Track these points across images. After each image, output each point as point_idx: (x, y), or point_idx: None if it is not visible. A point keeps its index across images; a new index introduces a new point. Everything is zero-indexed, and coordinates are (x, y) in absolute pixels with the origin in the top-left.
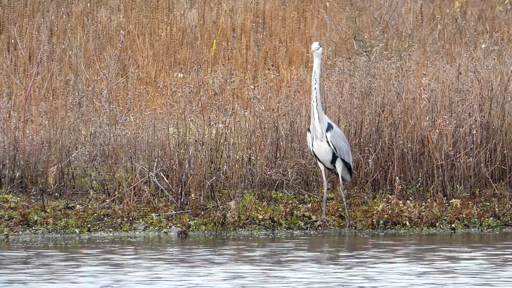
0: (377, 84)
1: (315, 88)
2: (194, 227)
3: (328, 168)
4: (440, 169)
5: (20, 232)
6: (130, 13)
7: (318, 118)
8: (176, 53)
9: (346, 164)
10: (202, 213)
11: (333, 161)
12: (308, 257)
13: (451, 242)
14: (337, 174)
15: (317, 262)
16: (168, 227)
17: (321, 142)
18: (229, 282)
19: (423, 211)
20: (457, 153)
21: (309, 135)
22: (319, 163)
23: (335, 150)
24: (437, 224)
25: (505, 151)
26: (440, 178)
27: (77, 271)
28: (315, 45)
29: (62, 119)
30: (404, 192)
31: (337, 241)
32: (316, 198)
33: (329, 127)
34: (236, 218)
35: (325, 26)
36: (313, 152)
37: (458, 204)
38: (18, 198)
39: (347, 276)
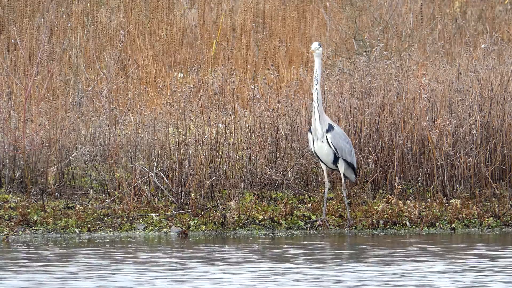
0: (377, 84)
1: (316, 89)
2: (194, 227)
3: (330, 168)
4: (440, 169)
5: (20, 232)
6: (130, 13)
7: (319, 118)
8: (176, 53)
9: (349, 164)
10: (202, 213)
11: (335, 162)
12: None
13: (487, 241)
14: (340, 174)
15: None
16: (168, 227)
17: (322, 143)
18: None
19: (423, 211)
20: (457, 153)
21: (310, 136)
22: (321, 163)
23: (336, 151)
24: (437, 224)
25: (505, 151)
26: (440, 178)
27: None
28: (315, 45)
29: (62, 119)
30: (404, 192)
31: (364, 241)
32: (316, 198)
33: (330, 128)
34: (236, 218)
35: (325, 26)
36: (315, 153)
37: (458, 204)
38: (18, 198)
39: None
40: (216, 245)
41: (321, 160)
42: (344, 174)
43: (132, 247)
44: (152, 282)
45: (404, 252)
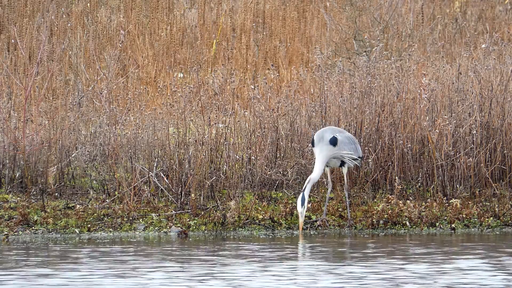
0: (377, 84)
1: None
2: (194, 227)
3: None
4: (440, 169)
5: (20, 232)
6: (130, 13)
7: (328, 164)
8: (176, 53)
9: (355, 159)
10: (202, 213)
11: (341, 165)
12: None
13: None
14: (343, 174)
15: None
16: (168, 227)
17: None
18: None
19: (423, 211)
20: (457, 153)
21: (314, 149)
22: (325, 166)
23: (343, 157)
24: (437, 224)
25: (505, 151)
26: (440, 178)
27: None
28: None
29: (62, 119)
30: (404, 192)
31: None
32: (316, 198)
33: (334, 141)
34: (236, 218)
35: (325, 26)
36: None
37: (458, 204)
38: (18, 198)
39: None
40: (216, 245)
41: (326, 165)
42: (347, 174)
43: (132, 247)
44: (152, 282)
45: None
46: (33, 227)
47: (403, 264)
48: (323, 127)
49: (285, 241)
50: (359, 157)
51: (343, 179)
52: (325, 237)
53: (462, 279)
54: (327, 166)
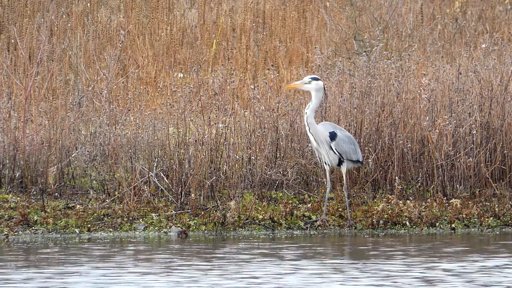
0: (377, 84)
1: (306, 113)
2: (194, 227)
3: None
4: (440, 169)
5: (20, 232)
6: (130, 13)
7: (314, 140)
8: (176, 53)
9: (354, 161)
10: (202, 213)
11: (339, 164)
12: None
13: None
14: (342, 174)
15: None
16: (168, 227)
17: (328, 152)
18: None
19: (423, 211)
20: (457, 153)
21: (312, 144)
22: (324, 164)
23: (342, 156)
24: (437, 224)
25: (505, 151)
26: (440, 178)
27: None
28: (305, 79)
29: (62, 119)
30: (404, 192)
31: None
32: (316, 198)
33: (333, 136)
34: (236, 218)
35: (325, 26)
36: (318, 156)
37: (458, 204)
38: (18, 198)
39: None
40: (216, 245)
41: (325, 163)
42: (346, 174)
43: (131, 247)
44: (152, 282)
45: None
46: (33, 227)
47: (438, 263)
48: None
49: (285, 241)
50: (358, 161)
51: (343, 179)
52: (328, 237)
53: (499, 278)
54: (326, 164)
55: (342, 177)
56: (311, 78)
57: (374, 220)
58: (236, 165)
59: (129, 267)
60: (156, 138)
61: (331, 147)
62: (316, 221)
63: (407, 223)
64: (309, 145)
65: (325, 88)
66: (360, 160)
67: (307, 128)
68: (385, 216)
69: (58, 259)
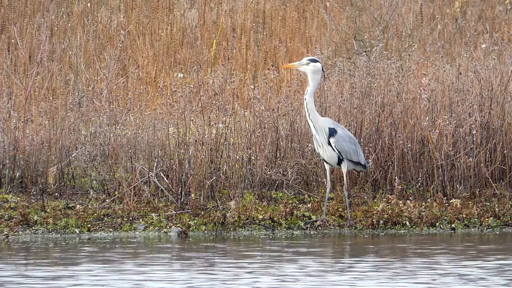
0: (377, 84)
1: (305, 99)
2: (194, 227)
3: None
4: (440, 169)
5: (20, 232)
6: (130, 13)
7: (314, 128)
8: (176, 53)
9: (355, 163)
10: (202, 213)
11: (339, 163)
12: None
13: None
14: (343, 174)
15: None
16: (168, 227)
17: (325, 147)
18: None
19: (423, 211)
20: (457, 153)
21: (314, 140)
22: (324, 163)
23: (340, 154)
24: (437, 224)
25: (505, 151)
26: (440, 178)
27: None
28: (303, 60)
29: (62, 119)
30: (404, 192)
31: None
32: (316, 198)
33: (333, 132)
34: (236, 218)
35: (325, 26)
36: (319, 154)
37: (458, 204)
38: (18, 198)
39: None
40: (216, 245)
41: (325, 161)
42: (347, 174)
43: (132, 247)
44: (152, 282)
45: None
46: (33, 227)
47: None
48: None
49: (285, 241)
50: (359, 163)
51: (343, 179)
52: (328, 237)
53: None
54: (326, 163)
55: (343, 177)
56: (309, 59)
57: (374, 220)
58: (236, 165)
59: (129, 267)
60: (156, 138)
61: (330, 143)
62: (316, 221)
63: (407, 223)
64: (310, 145)
65: (324, 70)
66: (362, 163)
67: (307, 115)
68: (385, 216)
69: (58, 259)
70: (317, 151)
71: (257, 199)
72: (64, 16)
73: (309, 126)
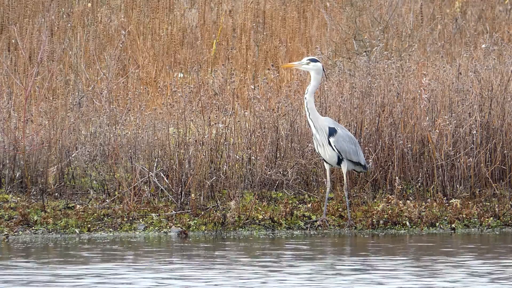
0: (377, 84)
1: (305, 98)
2: (194, 227)
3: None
4: (440, 169)
5: (20, 232)
6: (130, 13)
7: (314, 127)
8: (176, 53)
9: (355, 163)
10: (202, 213)
11: (339, 163)
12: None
13: None
14: (343, 174)
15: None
16: (168, 227)
17: (325, 147)
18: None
19: (423, 211)
20: (457, 153)
21: (313, 139)
22: (324, 163)
23: (340, 154)
24: (437, 224)
25: (505, 151)
26: (440, 178)
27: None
28: (303, 60)
29: (62, 119)
30: (404, 192)
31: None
32: (316, 198)
33: (333, 132)
34: (236, 218)
35: (326, 26)
36: (319, 154)
37: (458, 204)
38: (18, 198)
39: None
40: (216, 245)
41: (325, 160)
42: (347, 174)
43: (132, 247)
44: (151, 282)
45: None
46: (33, 227)
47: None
48: None
49: (285, 241)
50: (359, 164)
51: (343, 179)
52: (328, 237)
53: None
54: (326, 163)
55: (343, 177)
56: (309, 59)
57: (374, 220)
58: (236, 165)
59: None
60: (156, 138)
61: (329, 143)
62: (316, 221)
63: (407, 223)
64: (310, 145)
65: (324, 70)
66: (362, 163)
67: (307, 114)
68: (385, 216)
69: (58, 259)
70: (317, 151)
71: (257, 199)
72: (64, 16)
73: (309, 126)
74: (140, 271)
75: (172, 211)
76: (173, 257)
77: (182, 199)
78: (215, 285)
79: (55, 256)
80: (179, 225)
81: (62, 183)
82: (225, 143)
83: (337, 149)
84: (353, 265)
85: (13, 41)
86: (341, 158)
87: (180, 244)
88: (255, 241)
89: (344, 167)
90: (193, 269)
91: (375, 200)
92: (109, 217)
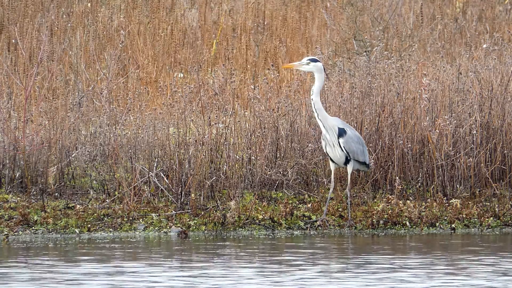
0: (377, 84)
1: (312, 99)
2: (194, 227)
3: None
4: (440, 169)
5: (20, 232)
6: (130, 13)
7: (324, 127)
8: (177, 53)
9: (360, 162)
10: (202, 213)
11: (346, 163)
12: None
13: None
14: (348, 174)
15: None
16: (168, 227)
17: (334, 147)
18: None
19: (423, 211)
20: (457, 153)
21: (322, 139)
22: (330, 163)
23: (349, 154)
24: (437, 224)
25: (505, 151)
26: (440, 178)
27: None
28: (303, 60)
29: (62, 119)
30: (404, 192)
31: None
32: (316, 198)
33: (342, 132)
34: (236, 218)
35: (326, 26)
36: (327, 154)
37: (458, 204)
38: (18, 198)
39: None
40: (216, 245)
41: (332, 160)
42: (351, 174)
43: (132, 247)
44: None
45: None
46: (33, 227)
47: None
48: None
49: (285, 241)
50: (364, 163)
51: (346, 179)
52: (328, 237)
53: None
54: (332, 162)
55: (347, 176)
56: (309, 59)
57: (374, 220)
58: (236, 165)
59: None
60: (156, 138)
61: (339, 143)
62: (316, 221)
63: (407, 223)
64: (310, 145)
65: (325, 69)
66: (367, 162)
67: (315, 115)
68: (385, 216)
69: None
70: (325, 151)
71: (257, 199)
72: (64, 16)
73: (319, 126)
74: (140, 271)
75: (172, 211)
76: (172, 257)
77: (182, 199)
78: (215, 285)
79: (55, 256)
80: (179, 225)
81: (62, 183)
82: (225, 143)
83: (346, 150)
84: (353, 265)
85: (13, 41)
86: (349, 158)
87: (180, 244)
88: (255, 241)
89: (350, 167)
90: (193, 269)
91: (375, 200)
92: (109, 217)
